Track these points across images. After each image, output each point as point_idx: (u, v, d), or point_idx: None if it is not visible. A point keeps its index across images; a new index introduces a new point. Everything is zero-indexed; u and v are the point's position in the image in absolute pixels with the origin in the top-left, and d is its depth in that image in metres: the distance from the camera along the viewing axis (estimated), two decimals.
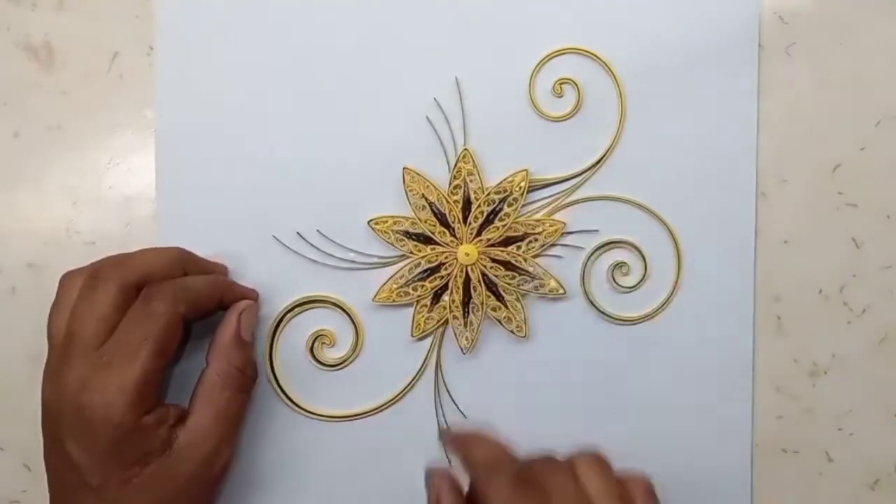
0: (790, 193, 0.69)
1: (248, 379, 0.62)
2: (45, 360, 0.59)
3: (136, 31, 0.68)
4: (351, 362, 0.68)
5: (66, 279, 0.59)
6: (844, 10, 0.69)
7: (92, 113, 0.68)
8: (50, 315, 0.59)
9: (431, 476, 0.57)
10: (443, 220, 0.66)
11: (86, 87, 0.68)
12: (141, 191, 0.68)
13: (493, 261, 0.66)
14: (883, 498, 0.69)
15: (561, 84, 0.67)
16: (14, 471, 0.70)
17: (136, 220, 0.68)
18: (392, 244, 0.67)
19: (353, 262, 0.67)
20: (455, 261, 0.66)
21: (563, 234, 0.67)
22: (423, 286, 0.67)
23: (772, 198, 0.68)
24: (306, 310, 0.68)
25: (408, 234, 0.67)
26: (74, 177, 0.68)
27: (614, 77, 0.67)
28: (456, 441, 0.57)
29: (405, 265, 0.67)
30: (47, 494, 0.59)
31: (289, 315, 0.68)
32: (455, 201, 0.66)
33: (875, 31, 0.69)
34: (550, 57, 0.67)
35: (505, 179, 0.66)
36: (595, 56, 0.67)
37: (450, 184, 0.66)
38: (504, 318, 0.67)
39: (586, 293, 0.68)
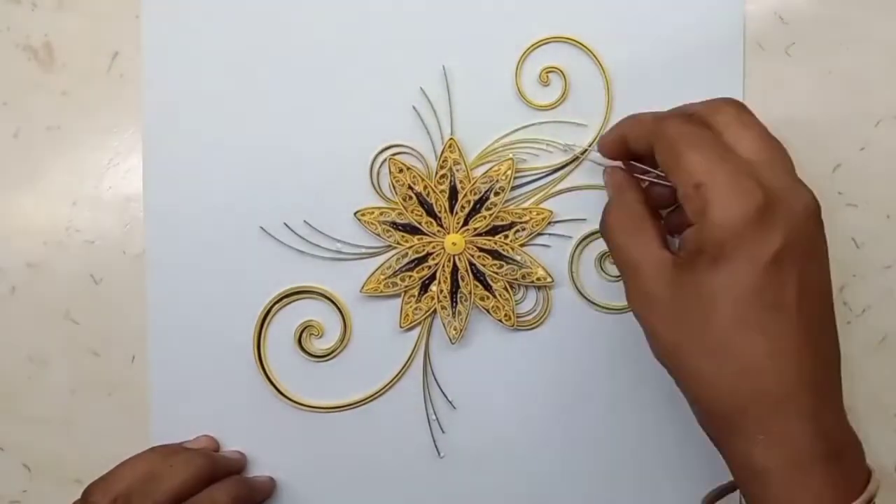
0: None
1: None
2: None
3: (136, 31, 0.68)
4: (339, 353, 0.68)
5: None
6: (844, 10, 0.68)
7: (92, 113, 0.69)
8: None
9: (607, 173, 0.61)
10: (429, 210, 0.66)
11: (86, 87, 0.69)
12: (140, 191, 0.68)
13: (481, 250, 0.66)
14: (883, 498, 0.67)
15: (547, 73, 0.67)
16: (14, 471, 0.70)
17: (135, 220, 0.69)
18: (379, 235, 0.67)
19: (340, 252, 0.67)
20: (442, 250, 0.66)
21: (550, 222, 0.67)
22: (410, 276, 0.67)
23: None
24: (294, 301, 0.68)
25: (394, 225, 0.67)
26: (74, 177, 0.69)
27: (601, 65, 0.67)
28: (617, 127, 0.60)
29: (392, 256, 0.67)
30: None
31: (276, 306, 0.68)
32: (441, 191, 0.66)
33: (875, 31, 0.68)
34: (537, 45, 0.67)
35: (491, 168, 0.66)
36: (582, 45, 0.67)
37: (436, 173, 0.66)
38: (492, 307, 0.66)
39: (574, 282, 0.67)
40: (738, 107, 0.54)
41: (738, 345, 0.49)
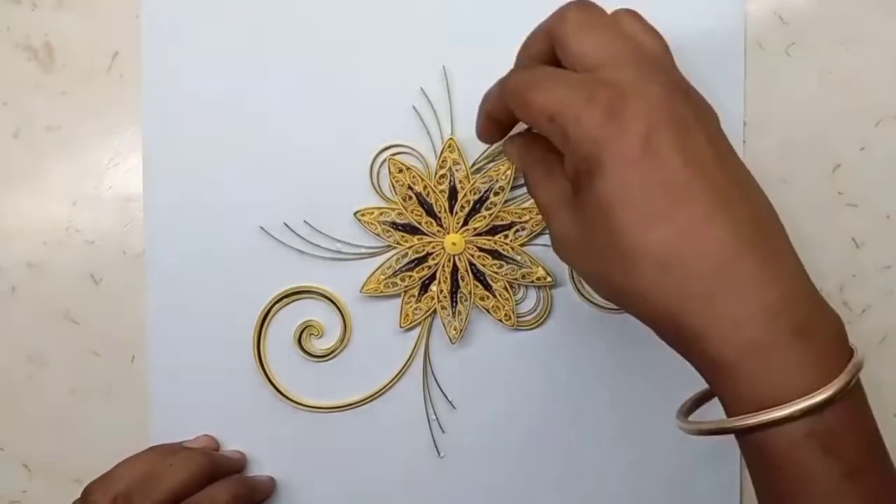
0: (790, 193, 0.68)
1: None
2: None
3: (136, 31, 0.68)
4: (339, 353, 0.68)
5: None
6: (844, 10, 0.68)
7: (92, 113, 0.69)
8: None
9: (506, 144, 0.61)
10: (429, 210, 0.66)
11: (86, 87, 0.69)
12: (140, 191, 0.68)
13: (481, 250, 0.66)
14: None
15: None
16: (14, 471, 0.70)
17: (135, 220, 0.69)
18: (379, 235, 0.67)
19: (340, 252, 0.67)
20: (442, 250, 0.66)
21: None
22: (410, 276, 0.66)
23: (772, 198, 0.67)
24: (294, 301, 0.68)
25: (394, 225, 0.67)
26: (74, 177, 0.69)
27: None
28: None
29: (392, 256, 0.67)
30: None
31: (276, 306, 0.68)
32: (441, 191, 0.66)
33: (875, 31, 0.68)
34: None
35: (491, 168, 0.66)
36: None
37: (436, 173, 0.66)
38: (492, 307, 0.66)
39: (575, 282, 0.67)
40: (580, 11, 0.51)
41: (650, 245, 0.46)
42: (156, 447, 0.66)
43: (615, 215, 0.46)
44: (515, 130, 0.58)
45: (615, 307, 0.67)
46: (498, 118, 0.56)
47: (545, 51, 0.53)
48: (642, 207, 0.46)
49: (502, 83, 0.53)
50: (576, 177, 0.48)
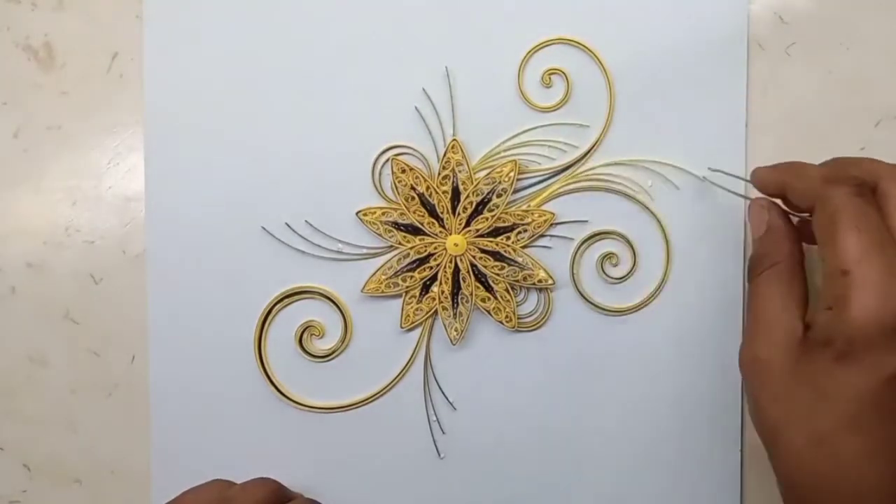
0: None
1: None
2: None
3: (136, 31, 0.68)
4: (340, 354, 0.68)
5: None
6: (844, 10, 0.68)
7: (92, 113, 0.69)
8: None
9: (755, 204, 0.59)
10: (432, 211, 0.66)
11: (86, 87, 0.69)
12: (140, 191, 0.68)
13: (482, 251, 0.66)
14: None
15: (550, 74, 0.67)
16: (14, 471, 0.70)
17: (135, 220, 0.69)
18: (380, 235, 0.66)
19: (341, 252, 0.67)
20: (444, 251, 0.66)
21: (552, 224, 0.67)
22: (411, 277, 0.66)
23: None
24: (295, 301, 0.68)
25: (396, 225, 0.66)
26: (74, 177, 0.69)
27: (603, 67, 0.67)
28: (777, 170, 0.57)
29: (394, 256, 0.67)
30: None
31: (277, 306, 0.68)
32: (444, 192, 0.66)
33: (875, 31, 0.68)
34: (540, 47, 0.67)
35: (494, 170, 0.66)
36: (584, 46, 0.67)
37: (438, 174, 0.66)
38: (493, 308, 0.66)
39: (576, 284, 0.67)
40: (856, 207, 0.50)
41: (841, 444, 0.48)
42: (218, 479, 0.66)
43: (832, 403, 0.49)
44: None
45: (615, 309, 0.67)
46: (789, 196, 0.56)
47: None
48: (859, 416, 0.48)
49: (828, 186, 0.52)
50: (823, 341, 0.49)
